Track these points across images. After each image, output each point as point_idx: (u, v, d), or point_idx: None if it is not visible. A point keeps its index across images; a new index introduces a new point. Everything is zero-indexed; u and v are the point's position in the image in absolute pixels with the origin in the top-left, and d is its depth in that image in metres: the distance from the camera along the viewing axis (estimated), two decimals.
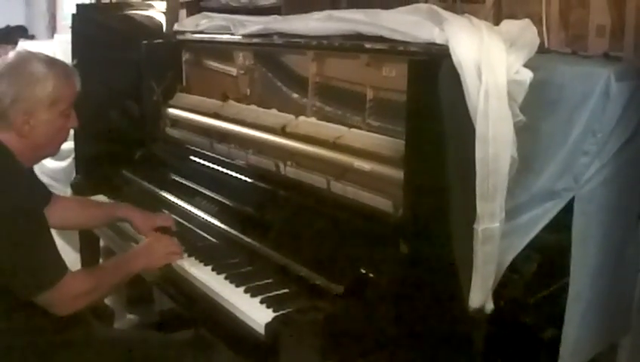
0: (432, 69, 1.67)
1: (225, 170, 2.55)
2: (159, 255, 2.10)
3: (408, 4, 2.08)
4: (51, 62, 1.95)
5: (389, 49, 1.91)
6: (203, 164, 2.69)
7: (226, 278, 1.96)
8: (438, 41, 1.72)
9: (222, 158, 2.61)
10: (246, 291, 1.87)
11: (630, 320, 2.05)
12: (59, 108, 1.93)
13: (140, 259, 2.08)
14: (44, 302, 1.84)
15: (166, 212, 2.49)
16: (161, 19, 3.25)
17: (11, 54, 1.97)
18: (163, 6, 3.31)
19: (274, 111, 2.47)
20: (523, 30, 1.77)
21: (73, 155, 3.30)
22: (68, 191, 3.69)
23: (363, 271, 1.73)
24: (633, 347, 2.08)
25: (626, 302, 2.04)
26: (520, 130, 1.71)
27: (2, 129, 1.88)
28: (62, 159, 4.22)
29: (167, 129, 3.01)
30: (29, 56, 1.95)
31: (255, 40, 2.50)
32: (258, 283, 1.91)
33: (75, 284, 1.87)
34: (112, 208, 2.50)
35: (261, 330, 1.68)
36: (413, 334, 1.76)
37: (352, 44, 2.07)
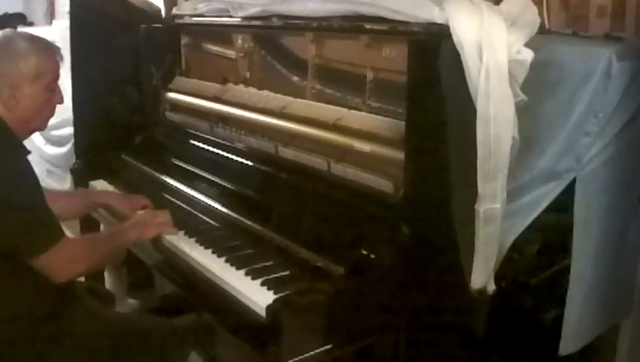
0: (433, 49, 1.66)
1: (225, 154, 2.54)
2: (150, 225, 2.13)
3: None
4: (33, 39, 2.01)
5: (389, 29, 1.90)
6: (203, 148, 2.68)
7: (226, 261, 1.95)
8: (439, 20, 1.71)
9: (222, 142, 2.60)
10: (247, 274, 1.87)
11: (632, 300, 2.06)
12: (43, 82, 1.98)
13: (132, 230, 2.10)
14: (42, 266, 1.85)
15: (167, 196, 2.50)
16: (160, 3, 3.23)
17: None
18: None
19: (274, 93, 2.45)
20: (524, 10, 1.75)
21: (73, 141, 3.29)
22: (68, 177, 3.69)
23: (364, 253, 1.73)
24: (635, 327, 2.08)
25: (628, 282, 2.04)
26: (521, 110, 1.70)
27: None
28: (62, 145, 4.19)
29: (167, 113, 3.00)
30: (12, 35, 2.04)
31: (254, 22, 2.49)
32: (259, 265, 1.90)
33: (72, 247, 1.92)
34: (90, 195, 2.59)
35: (262, 313, 1.67)
36: (414, 315, 1.77)
37: (352, 25, 2.05)
